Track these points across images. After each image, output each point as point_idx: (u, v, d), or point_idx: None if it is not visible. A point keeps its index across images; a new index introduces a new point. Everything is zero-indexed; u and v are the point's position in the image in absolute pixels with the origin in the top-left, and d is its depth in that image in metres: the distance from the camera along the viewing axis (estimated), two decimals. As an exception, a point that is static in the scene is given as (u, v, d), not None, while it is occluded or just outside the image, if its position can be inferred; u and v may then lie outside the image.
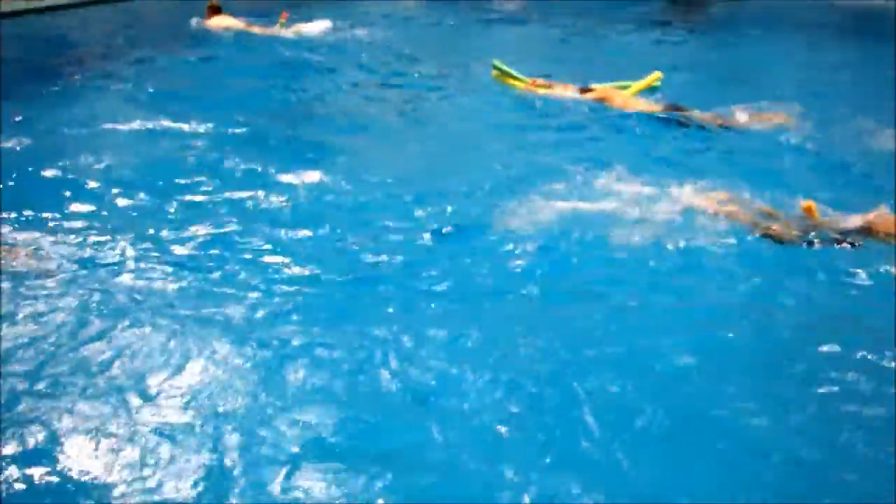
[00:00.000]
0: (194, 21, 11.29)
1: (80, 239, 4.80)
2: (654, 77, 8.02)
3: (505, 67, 8.33)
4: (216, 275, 4.43)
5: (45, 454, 3.22)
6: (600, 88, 7.85)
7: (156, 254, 4.63)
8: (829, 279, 4.48)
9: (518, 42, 12.32)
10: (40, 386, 3.55)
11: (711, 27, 14.35)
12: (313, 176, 5.78)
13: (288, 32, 10.80)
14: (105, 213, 5.20)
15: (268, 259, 4.63)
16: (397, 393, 3.54)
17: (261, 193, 5.46)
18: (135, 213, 5.20)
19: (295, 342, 3.84)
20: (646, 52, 11.12)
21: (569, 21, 13.42)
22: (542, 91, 8.04)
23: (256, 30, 10.88)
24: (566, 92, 7.95)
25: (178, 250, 4.69)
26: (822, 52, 11.59)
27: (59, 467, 3.18)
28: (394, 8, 14.27)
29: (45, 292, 4.19)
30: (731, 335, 3.98)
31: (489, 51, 9.70)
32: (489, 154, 6.38)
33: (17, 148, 6.28)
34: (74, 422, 3.36)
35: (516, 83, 8.25)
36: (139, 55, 9.76)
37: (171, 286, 4.28)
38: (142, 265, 4.52)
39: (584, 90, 7.87)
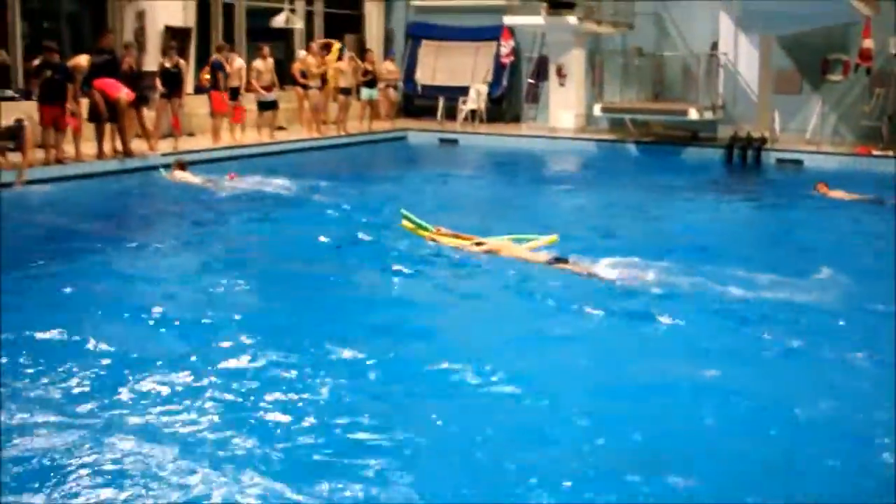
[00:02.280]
0: (163, 172, 14.10)
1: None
2: (551, 238, 8.88)
3: (412, 217, 9.30)
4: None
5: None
6: (493, 241, 8.77)
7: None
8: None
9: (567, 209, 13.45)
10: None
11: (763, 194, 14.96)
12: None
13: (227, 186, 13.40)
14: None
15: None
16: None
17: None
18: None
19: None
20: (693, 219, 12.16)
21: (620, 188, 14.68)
22: (444, 240, 8.99)
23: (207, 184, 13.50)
24: (464, 243, 8.88)
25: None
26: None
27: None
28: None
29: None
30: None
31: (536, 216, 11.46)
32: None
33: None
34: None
35: (423, 232, 9.18)
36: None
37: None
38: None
39: (479, 243, 8.77)
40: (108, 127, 14.69)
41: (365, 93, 20.30)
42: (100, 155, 14.53)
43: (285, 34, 22.72)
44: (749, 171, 17.46)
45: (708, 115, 19.19)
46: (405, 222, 9.37)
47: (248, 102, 18.23)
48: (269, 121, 18.19)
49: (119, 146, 14.80)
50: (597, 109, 20.03)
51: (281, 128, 19.48)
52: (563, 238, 9.24)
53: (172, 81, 15.91)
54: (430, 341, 6.65)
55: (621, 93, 20.99)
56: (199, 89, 18.49)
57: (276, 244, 9.99)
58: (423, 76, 23.49)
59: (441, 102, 22.21)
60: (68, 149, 14.11)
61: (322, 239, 9.74)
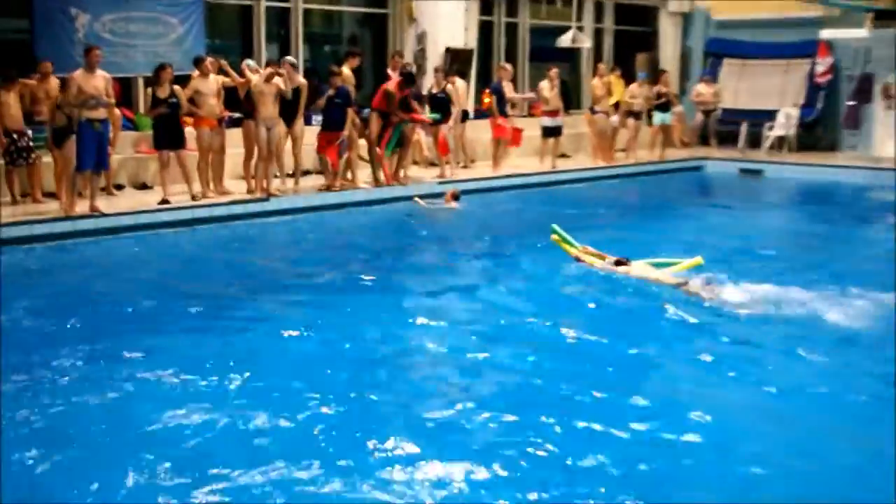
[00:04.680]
0: (420, 202, 14.33)
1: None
2: (695, 261, 9.15)
3: (562, 232, 10.03)
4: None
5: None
6: (636, 264, 9.31)
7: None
8: None
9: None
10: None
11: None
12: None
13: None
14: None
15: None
16: None
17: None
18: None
19: None
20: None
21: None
22: (587, 259, 9.66)
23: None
24: (605, 264, 9.48)
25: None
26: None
27: None
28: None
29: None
30: None
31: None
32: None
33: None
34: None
35: (569, 248, 9.93)
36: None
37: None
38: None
39: (619, 262, 9.35)
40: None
41: (657, 117, 19.63)
42: (376, 181, 14.90)
43: (572, 54, 22.51)
44: None
45: None
46: (554, 236, 10.08)
47: (532, 127, 18.11)
48: (552, 148, 17.95)
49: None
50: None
51: (564, 155, 19.20)
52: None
53: (441, 106, 16.06)
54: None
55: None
56: (480, 114, 18.60)
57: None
58: (724, 98, 22.45)
59: (744, 128, 21.14)
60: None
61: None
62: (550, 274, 9.75)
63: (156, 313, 8.38)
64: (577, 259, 9.80)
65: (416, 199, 14.43)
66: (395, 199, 14.70)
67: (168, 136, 12.73)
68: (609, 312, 8.52)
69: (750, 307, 8.28)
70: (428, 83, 17.11)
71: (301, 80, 14.15)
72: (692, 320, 8.13)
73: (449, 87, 16.28)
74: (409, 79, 14.90)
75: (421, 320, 8.12)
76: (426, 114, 15.58)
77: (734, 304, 8.35)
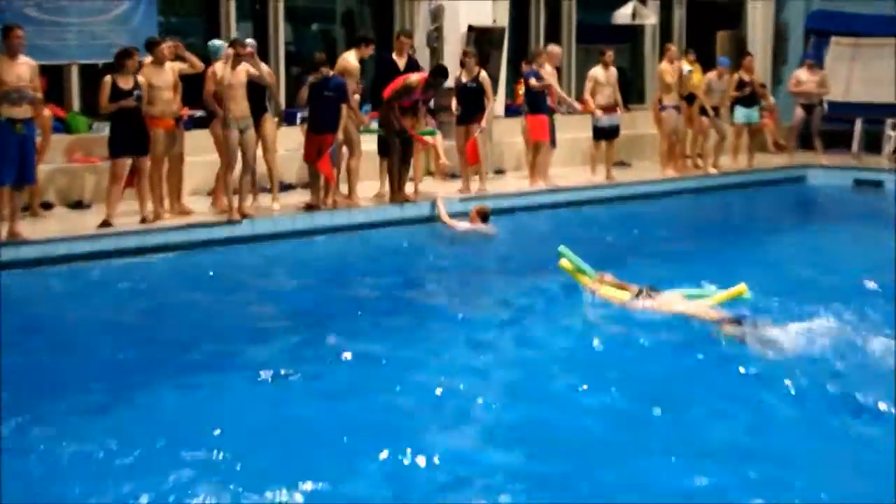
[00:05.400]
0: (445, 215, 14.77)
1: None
2: (738, 290, 9.52)
3: (572, 257, 10.31)
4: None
5: None
6: (665, 296, 9.65)
7: None
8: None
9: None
10: None
11: None
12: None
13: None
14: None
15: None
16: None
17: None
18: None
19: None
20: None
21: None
22: (605, 292, 9.97)
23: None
24: (627, 296, 9.79)
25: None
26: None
27: None
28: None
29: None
30: None
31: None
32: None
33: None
34: None
35: (583, 278, 10.23)
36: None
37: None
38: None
39: (648, 293, 9.68)
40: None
41: (740, 114, 19.72)
42: (395, 197, 15.14)
43: (632, 33, 22.68)
44: None
45: None
46: (563, 261, 10.31)
47: (580, 128, 18.22)
48: (606, 154, 18.05)
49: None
50: None
51: (622, 163, 19.31)
52: None
53: (471, 100, 16.15)
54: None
55: None
56: (510, 110, 18.73)
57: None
58: (832, 89, 22.50)
59: (858, 127, 21.23)
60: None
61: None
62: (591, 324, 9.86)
63: (88, 374, 8.34)
64: (593, 292, 10.06)
65: (441, 209, 14.65)
66: (403, 221, 14.88)
67: (130, 138, 12.91)
68: (651, 368, 8.63)
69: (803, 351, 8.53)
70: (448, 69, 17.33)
71: (265, 68, 14.43)
72: (742, 370, 8.29)
73: (483, 74, 16.39)
74: (441, 74, 15.06)
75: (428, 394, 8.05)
76: (425, 126, 15.66)
77: (785, 349, 8.55)
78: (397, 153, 14.88)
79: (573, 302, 10.33)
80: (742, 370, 8.29)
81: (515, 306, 10.51)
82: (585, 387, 8.08)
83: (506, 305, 10.57)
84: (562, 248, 10.41)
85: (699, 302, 9.57)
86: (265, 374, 8.21)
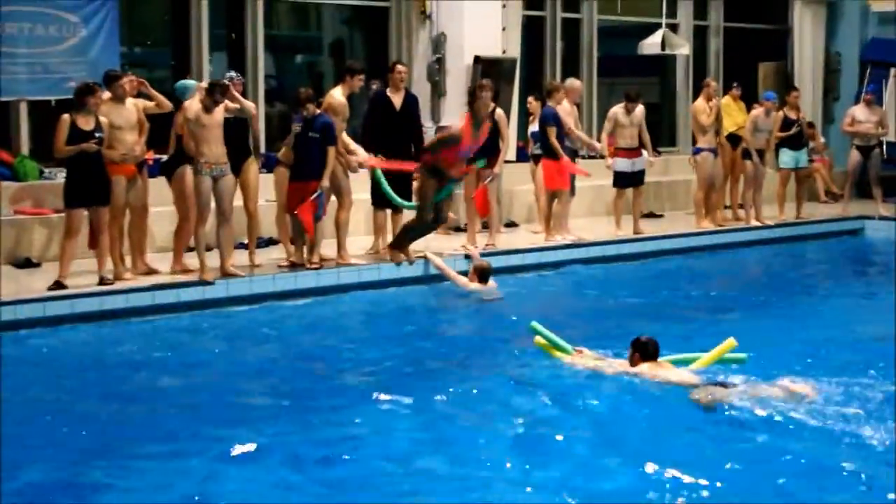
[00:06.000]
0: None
1: None
2: (727, 345, 10.12)
3: (546, 333, 10.68)
4: None
5: None
6: (648, 365, 10.06)
7: None
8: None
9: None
10: None
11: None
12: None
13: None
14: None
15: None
16: None
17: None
18: None
19: None
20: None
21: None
22: (582, 363, 10.47)
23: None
24: (604, 365, 10.38)
25: None
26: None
27: None
28: None
29: None
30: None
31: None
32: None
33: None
34: None
35: (560, 354, 10.68)
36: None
37: None
38: None
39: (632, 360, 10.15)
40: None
41: (787, 157, 19.82)
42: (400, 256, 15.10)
43: (662, 65, 22.84)
44: None
45: None
46: (538, 339, 10.76)
47: (605, 173, 18.28)
48: (632, 203, 18.13)
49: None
50: None
51: (653, 214, 19.38)
52: None
53: (485, 141, 16.18)
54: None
55: None
56: (522, 153, 18.83)
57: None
58: (890, 129, 22.65)
59: (926, 172, 21.29)
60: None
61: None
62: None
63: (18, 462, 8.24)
64: (573, 366, 10.51)
65: (440, 264, 14.80)
66: (399, 281, 14.93)
67: (89, 186, 12.99)
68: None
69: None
70: (452, 106, 17.37)
71: (248, 103, 14.47)
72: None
73: (499, 112, 16.28)
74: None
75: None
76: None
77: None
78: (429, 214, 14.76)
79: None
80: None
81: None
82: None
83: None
84: (534, 324, 10.79)
85: (682, 370, 10.08)
86: (238, 452, 8.31)
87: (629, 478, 7.86)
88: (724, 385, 9.54)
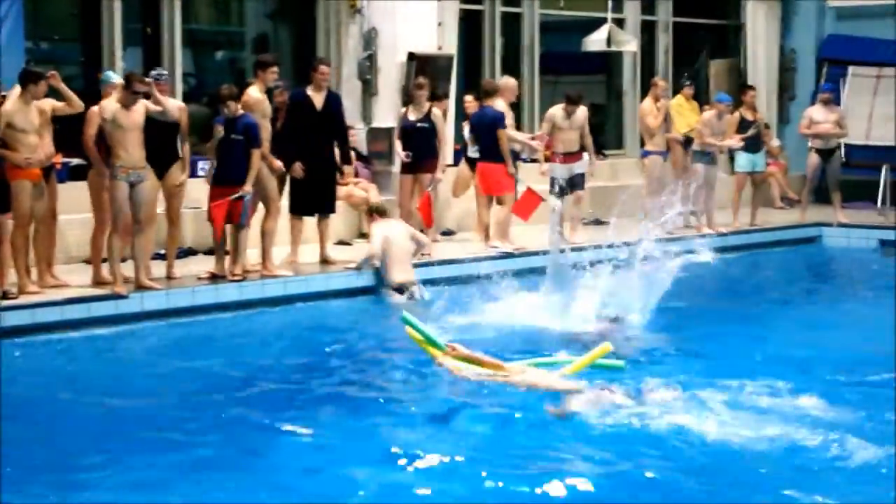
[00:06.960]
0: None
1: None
2: (602, 350, 10.29)
3: (418, 325, 10.67)
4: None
5: None
6: (514, 367, 10.32)
7: None
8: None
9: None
10: None
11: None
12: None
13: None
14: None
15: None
16: None
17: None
18: None
19: None
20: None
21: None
22: (452, 364, 10.35)
23: None
24: (480, 370, 10.27)
25: None
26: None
27: None
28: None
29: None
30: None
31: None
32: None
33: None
34: None
35: (432, 350, 10.57)
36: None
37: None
38: None
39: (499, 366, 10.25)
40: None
41: (742, 160, 19.86)
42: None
43: (607, 63, 22.83)
44: None
45: None
46: (409, 330, 10.70)
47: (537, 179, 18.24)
48: (571, 210, 18.07)
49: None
50: None
51: (597, 221, 19.34)
52: None
53: (422, 143, 16.08)
54: None
55: None
56: (459, 155, 18.76)
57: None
58: (851, 130, 22.71)
59: (885, 176, 21.54)
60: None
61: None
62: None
63: None
64: (440, 364, 10.49)
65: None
66: (330, 293, 14.90)
67: None
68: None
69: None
70: (384, 106, 17.32)
71: (174, 104, 14.35)
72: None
73: (435, 111, 16.35)
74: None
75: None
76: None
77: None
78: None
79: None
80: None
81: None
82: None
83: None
84: (405, 315, 10.85)
85: (546, 373, 10.30)
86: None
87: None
88: (611, 391, 9.74)
